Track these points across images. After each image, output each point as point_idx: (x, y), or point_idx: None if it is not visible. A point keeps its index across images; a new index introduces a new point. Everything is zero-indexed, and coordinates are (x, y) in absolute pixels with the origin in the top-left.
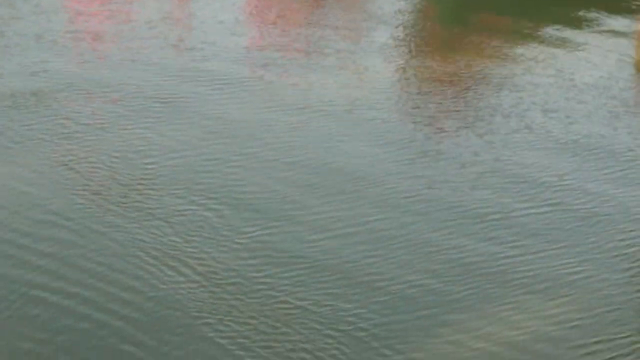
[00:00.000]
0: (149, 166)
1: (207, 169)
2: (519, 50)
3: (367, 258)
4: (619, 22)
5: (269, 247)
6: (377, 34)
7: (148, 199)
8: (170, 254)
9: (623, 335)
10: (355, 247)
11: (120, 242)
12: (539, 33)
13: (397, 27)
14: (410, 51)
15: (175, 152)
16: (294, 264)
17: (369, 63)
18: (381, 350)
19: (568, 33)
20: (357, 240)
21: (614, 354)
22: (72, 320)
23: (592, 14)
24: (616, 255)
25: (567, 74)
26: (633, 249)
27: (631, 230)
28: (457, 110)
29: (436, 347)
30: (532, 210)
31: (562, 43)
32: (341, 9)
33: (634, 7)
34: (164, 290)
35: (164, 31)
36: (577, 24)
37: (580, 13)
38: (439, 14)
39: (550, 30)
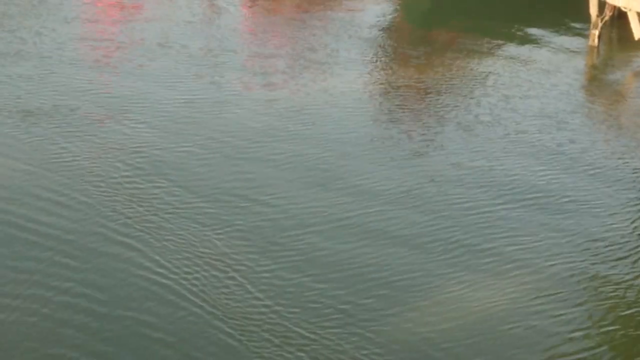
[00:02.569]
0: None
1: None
2: (479, 64)
3: (346, 244)
4: (567, 41)
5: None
6: (357, 50)
7: (145, 196)
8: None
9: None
10: (333, 233)
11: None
12: (499, 50)
13: (374, 45)
14: (385, 65)
15: (181, 148)
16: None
17: (350, 73)
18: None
19: (524, 49)
20: (336, 226)
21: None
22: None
23: (545, 33)
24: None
25: (524, 84)
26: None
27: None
28: (425, 114)
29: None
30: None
31: (518, 58)
32: (325, 30)
33: (581, 25)
34: None
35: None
36: (532, 41)
37: (534, 32)
38: (411, 33)
39: (509, 48)
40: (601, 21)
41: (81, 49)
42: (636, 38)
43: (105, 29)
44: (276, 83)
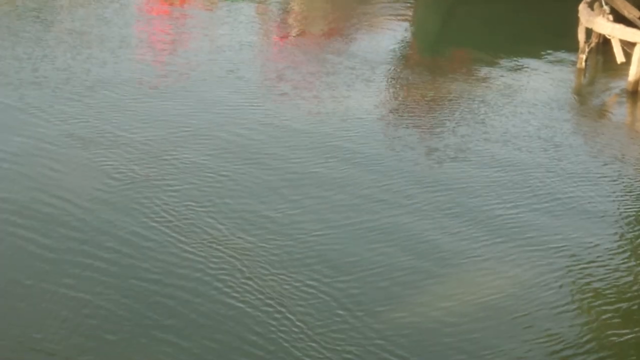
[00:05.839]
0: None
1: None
2: (482, 81)
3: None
4: (558, 63)
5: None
6: (374, 73)
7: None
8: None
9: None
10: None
11: None
12: (498, 70)
13: (389, 69)
14: (396, 82)
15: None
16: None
17: (365, 88)
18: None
19: (520, 70)
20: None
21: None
22: None
23: (539, 55)
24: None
25: (518, 100)
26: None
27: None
28: (435, 123)
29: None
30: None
31: (513, 78)
32: (348, 56)
33: (571, 49)
34: None
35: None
36: (527, 63)
37: (530, 54)
38: (422, 57)
39: (507, 68)
40: (588, 47)
41: (142, 76)
42: (619, 62)
43: (159, 55)
44: (318, 99)
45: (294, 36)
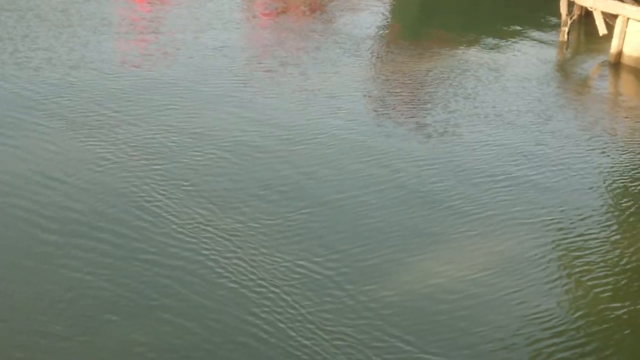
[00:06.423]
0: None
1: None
2: (464, 55)
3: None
4: (540, 36)
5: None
6: (356, 45)
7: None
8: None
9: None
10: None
11: None
12: (480, 43)
13: (371, 40)
14: (379, 57)
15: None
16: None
17: (350, 64)
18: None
19: (501, 45)
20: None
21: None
22: None
23: (520, 30)
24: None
25: (500, 74)
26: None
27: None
28: (415, 98)
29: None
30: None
31: (496, 52)
32: (328, 29)
33: (553, 23)
34: None
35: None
36: (509, 37)
37: (511, 29)
38: (402, 30)
39: (489, 41)
40: (570, 19)
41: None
42: (600, 34)
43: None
44: (292, 70)
45: (277, 12)
